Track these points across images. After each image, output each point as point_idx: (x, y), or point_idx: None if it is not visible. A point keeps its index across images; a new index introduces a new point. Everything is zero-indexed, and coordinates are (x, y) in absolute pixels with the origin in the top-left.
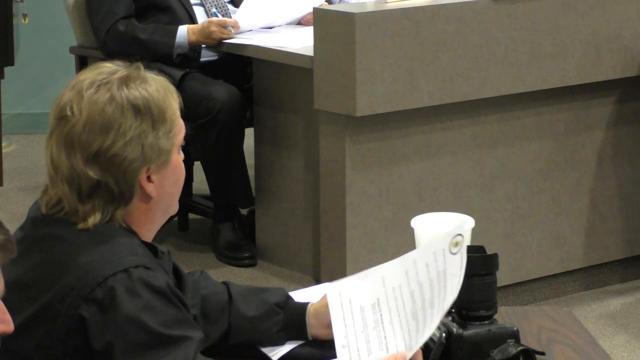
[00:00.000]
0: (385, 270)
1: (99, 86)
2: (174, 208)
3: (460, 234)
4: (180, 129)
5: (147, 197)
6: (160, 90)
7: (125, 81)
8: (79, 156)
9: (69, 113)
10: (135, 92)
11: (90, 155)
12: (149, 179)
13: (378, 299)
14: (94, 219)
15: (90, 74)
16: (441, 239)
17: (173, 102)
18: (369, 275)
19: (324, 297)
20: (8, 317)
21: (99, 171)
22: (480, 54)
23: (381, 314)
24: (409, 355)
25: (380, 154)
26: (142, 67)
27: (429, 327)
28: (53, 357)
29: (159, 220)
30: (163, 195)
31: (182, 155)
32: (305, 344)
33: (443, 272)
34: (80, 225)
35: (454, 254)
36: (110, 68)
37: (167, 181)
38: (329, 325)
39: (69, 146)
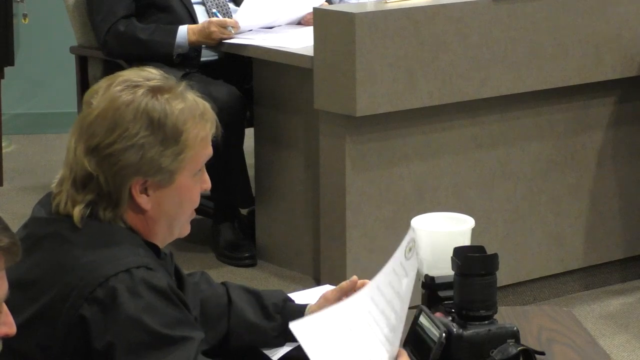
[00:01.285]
0: (350, 304)
1: (128, 86)
2: (183, 230)
3: (413, 240)
4: (197, 156)
5: (140, 208)
6: (186, 113)
7: (154, 91)
8: (82, 144)
9: (91, 101)
10: (157, 105)
11: (90, 147)
12: (145, 191)
13: (351, 329)
14: (79, 209)
15: (130, 73)
16: (398, 252)
17: (199, 129)
18: (333, 312)
19: (322, 297)
20: (11, 319)
21: (94, 165)
22: (480, 54)
23: (359, 337)
24: (395, 352)
25: (380, 154)
26: (189, 86)
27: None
28: (54, 357)
29: (164, 234)
30: (161, 213)
31: (205, 183)
32: None
33: (405, 277)
34: (66, 210)
35: (409, 259)
36: (151, 74)
37: (166, 201)
38: None
39: (79, 132)
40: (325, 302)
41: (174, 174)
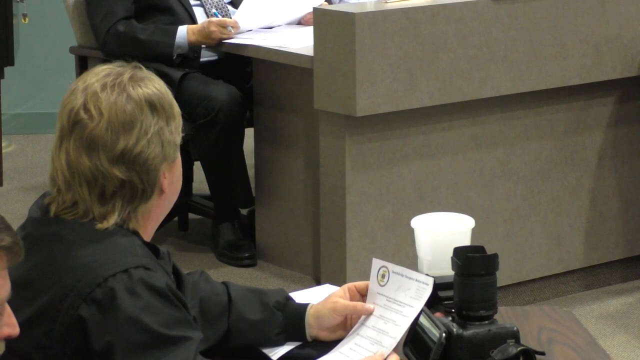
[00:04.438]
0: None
1: (112, 87)
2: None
3: (383, 266)
4: (180, 123)
5: (161, 192)
6: (165, 86)
7: (134, 80)
8: (103, 157)
9: (84, 116)
10: (148, 90)
11: (115, 155)
12: (163, 174)
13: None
14: (114, 218)
15: (96, 77)
16: (371, 284)
17: (173, 97)
18: None
19: (326, 299)
20: (14, 320)
21: (125, 170)
22: (480, 54)
23: None
24: (386, 352)
25: (380, 154)
26: (141, 66)
27: (394, 329)
28: (53, 358)
29: (163, 216)
30: (173, 190)
31: None
32: (305, 344)
33: (387, 300)
34: (99, 226)
35: (383, 285)
36: (115, 69)
37: (175, 176)
38: (328, 327)
39: (91, 148)
40: (335, 304)
41: (178, 147)
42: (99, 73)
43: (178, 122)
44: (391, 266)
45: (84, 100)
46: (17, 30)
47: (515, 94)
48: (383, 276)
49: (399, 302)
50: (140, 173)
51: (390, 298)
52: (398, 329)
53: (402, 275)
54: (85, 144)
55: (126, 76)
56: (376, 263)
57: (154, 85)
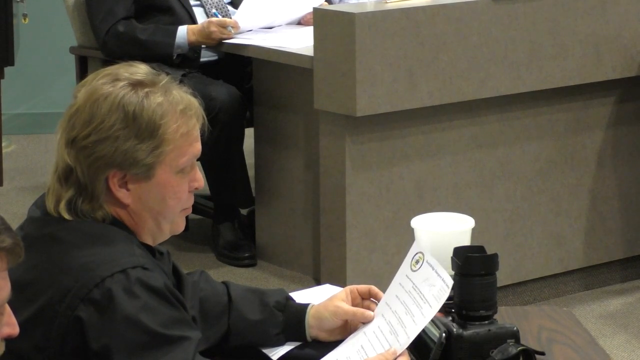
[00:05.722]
0: (364, 327)
1: (109, 80)
2: (175, 227)
3: (419, 252)
4: (179, 151)
5: (120, 203)
6: (165, 107)
7: (134, 84)
8: (63, 137)
9: (77, 94)
10: (133, 98)
11: (69, 140)
12: (125, 185)
13: (361, 345)
14: (64, 204)
15: (118, 68)
16: (404, 265)
17: (179, 124)
18: (346, 344)
19: (328, 301)
20: (14, 320)
21: (72, 157)
22: (480, 54)
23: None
24: (399, 350)
25: (380, 154)
26: (174, 81)
27: (411, 326)
28: (51, 358)
29: (153, 230)
30: (143, 208)
31: (196, 182)
32: (305, 345)
33: (413, 288)
34: (52, 206)
35: (415, 271)
36: (139, 69)
37: (147, 195)
38: (328, 330)
39: (63, 125)
40: (337, 308)
41: (151, 168)
42: (126, 66)
43: (157, 144)
44: (427, 256)
45: (87, 81)
46: (17, 30)
47: (515, 94)
48: (417, 262)
49: (422, 294)
50: (82, 165)
51: (416, 286)
52: (414, 328)
53: (433, 269)
54: (62, 120)
55: (133, 77)
56: (415, 247)
57: (148, 97)
